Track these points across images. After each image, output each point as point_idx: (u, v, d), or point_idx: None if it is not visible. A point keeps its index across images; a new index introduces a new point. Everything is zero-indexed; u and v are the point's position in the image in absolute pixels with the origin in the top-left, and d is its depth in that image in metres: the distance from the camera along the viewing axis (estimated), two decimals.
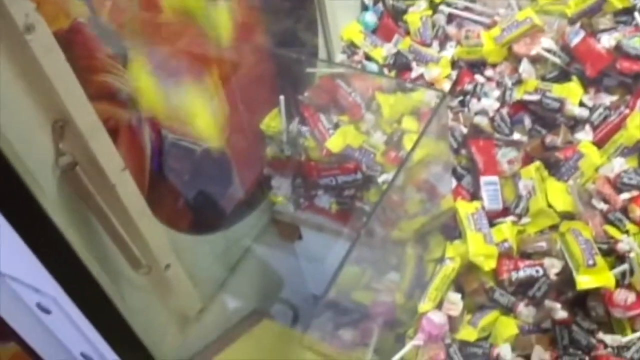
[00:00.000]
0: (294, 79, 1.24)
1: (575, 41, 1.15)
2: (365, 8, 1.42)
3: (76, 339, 0.89)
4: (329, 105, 1.20)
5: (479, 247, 0.98)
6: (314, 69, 1.25)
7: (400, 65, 1.31)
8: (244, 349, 1.10)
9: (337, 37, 1.35)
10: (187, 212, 1.15)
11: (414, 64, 1.29)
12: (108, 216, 0.89)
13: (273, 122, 1.19)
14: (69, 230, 0.81)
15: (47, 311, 0.86)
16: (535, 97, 1.14)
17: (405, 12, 1.38)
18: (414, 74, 1.28)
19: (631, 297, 0.92)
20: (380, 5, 1.41)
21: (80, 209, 0.85)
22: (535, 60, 1.21)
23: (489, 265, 0.97)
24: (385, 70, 1.32)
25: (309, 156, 1.17)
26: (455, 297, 0.97)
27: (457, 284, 1.00)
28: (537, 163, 1.08)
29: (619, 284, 0.95)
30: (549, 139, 1.11)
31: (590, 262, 0.93)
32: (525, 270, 0.98)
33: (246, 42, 1.21)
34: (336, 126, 1.16)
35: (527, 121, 1.15)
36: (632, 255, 0.94)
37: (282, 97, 1.15)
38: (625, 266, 0.95)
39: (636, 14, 1.14)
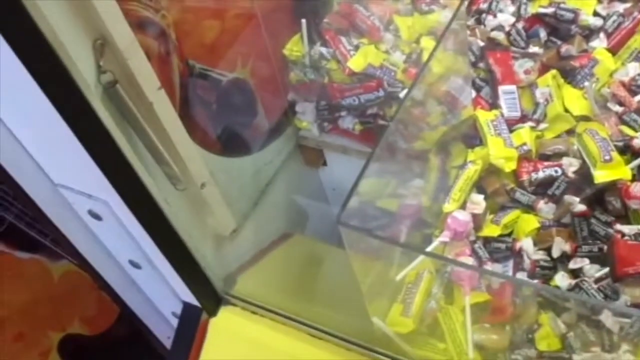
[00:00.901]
0: (313, 5, 1.28)
1: None
2: None
3: (125, 246, 0.96)
4: (348, 29, 1.23)
5: (500, 150, 1.02)
6: None
7: None
8: (278, 261, 1.17)
9: None
10: (216, 137, 1.21)
11: None
12: (147, 132, 0.95)
13: (295, 46, 1.23)
14: (120, 140, 0.86)
15: (98, 217, 0.92)
16: (550, 10, 1.16)
17: None
18: None
19: None
20: None
21: (125, 123, 0.91)
22: None
23: (510, 167, 1.02)
24: None
25: (331, 78, 1.22)
26: (478, 197, 1.01)
27: (479, 186, 1.04)
28: (554, 71, 1.11)
29: (635, 177, 0.99)
30: (564, 48, 1.14)
31: (607, 157, 0.97)
32: (545, 171, 1.02)
33: None
34: (357, 48, 1.20)
35: (543, 34, 1.18)
36: None
37: (303, 21, 1.19)
38: (639, 160, 0.99)
39: None
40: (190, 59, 1.19)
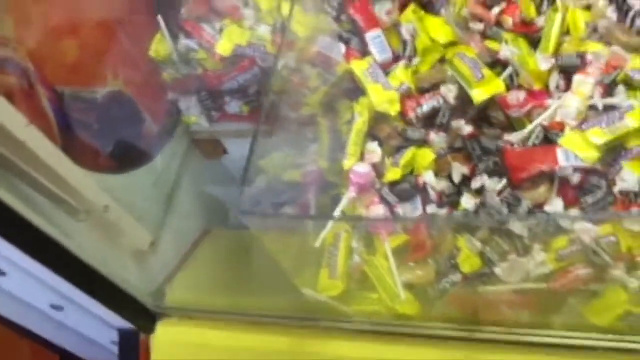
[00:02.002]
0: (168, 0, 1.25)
1: None
2: None
3: (41, 292, 0.93)
4: (208, 15, 1.22)
5: (381, 95, 1.04)
6: None
7: None
8: (202, 260, 1.16)
9: None
10: (107, 156, 1.18)
11: None
12: (29, 173, 0.92)
13: (160, 45, 1.21)
14: (6, 195, 0.83)
15: (2, 273, 0.89)
16: None
17: None
18: None
19: (522, 95, 1.01)
20: None
21: (3, 172, 0.88)
22: None
23: (394, 109, 1.04)
24: None
25: (204, 67, 1.20)
26: (372, 145, 1.04)
27: (372, 135, 1.07)
28: (412, 6, 1.14)
29: (509, 87, 1.03)
30: None
31: (479, 75, 1.01)
32: (427, 104, 1.05)
33: None
34: (220, 31, 1.19)
35: None
36: (513, 58, 1.03)
37: (159, 17, 1.16)
38: (509, 69, 1.03)
39: None
40: (57, 84, 1.15)
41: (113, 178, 1.13)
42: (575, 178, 0.92)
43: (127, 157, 1.22)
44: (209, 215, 1.39)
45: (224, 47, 1.16)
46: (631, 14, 1.00)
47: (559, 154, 0.92)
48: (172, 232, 1.26)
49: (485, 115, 1.06)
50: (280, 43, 1.07)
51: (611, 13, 1.01)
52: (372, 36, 1.12)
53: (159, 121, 1.30)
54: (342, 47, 1.14)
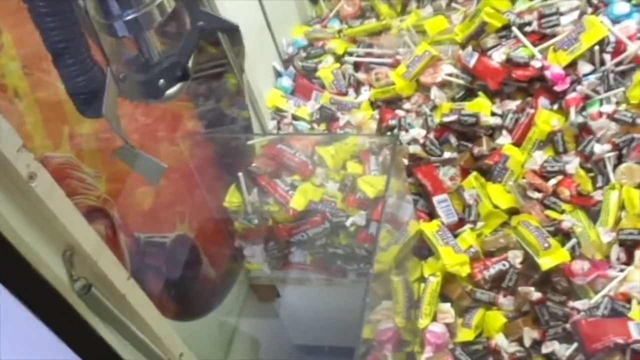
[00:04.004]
0: (239, 154, 1.34)
1: (472, 62, 1.32)
2: (279, 74, 1.54)
3: None
4: (279, 170, 1.30)
5: (452, 258, 1.11)
6: (254, 140, 1.36)
7: (326, 117, 1.43)
8: None
9: (263, 106, 1.46)
10: (174, 302, 1.21)
11: (338, 114, 1.42)
12: (127, 325, 0.95)
13: (233, 197, 1.28)
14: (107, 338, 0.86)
15: None
16: (453, 118, 1.30)
17: (315, 69, 1.51)
18: (341, 123, 1.41)
19: (586, 265, 1.08)
20: (291, 69, 1.54)
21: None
22: (442, 85, 1.37)
23: (465, 271, 1.11)
24: (315, 126, 1.45)
25: (276, 219, 1.27)
26: (445, 306, 1.09)
27: (443, 295, 1.12)
28: (474, 173, 1.23)
29: (573, 256, 1.11)
30: (476, 150, 1.27)
31: (546, 245, 1.08)
32: (495, 267, 1.12)
33: (184, 133, 1.30)
34: (292, 186, 1.27)
35: (453, 139, 1.31)
36: (575, 229, 1.11)
37: (240, 174, 1.24)
38: (573, 240, 1.11)
39: (513, 28, 1.33)
40: (135, 230, 1.20)
41: (187, 325, 1.15)
42: None
43: (190, 302, 1.25)
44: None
45: (298, 202, 1.23)
46: None
47: (632, 327, 0.98)
48: None
49: (548, 281, 1.12)
50: (358, 204, 1.14)
51: None
52: (439, 200, 1.21)
53: (221, 267, 1.35)
54: (412, 209, 1.22)
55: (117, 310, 0.93)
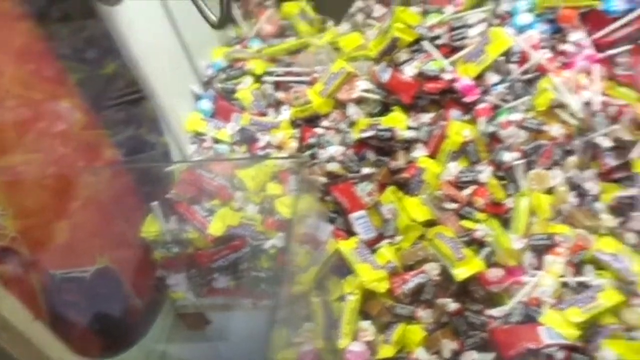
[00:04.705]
0: (158, 182, 1.32)
1: (385, 77, 1.33)
2: (198, 97, 1.52)
3: None
4: (199, 195, 1.29)
5: (370, 274, 1.11)
6: (172, 167, 1.34)
7: (247, 139, 1.42)
8: None
9: (182, 131, 1.44)
10: (96, 338, 1.18)
11: (259, 135, 1.42)
12: None
13: (151, 227, 1.26)
14: None
15: None
16: (370, 133, 1.30)
17: (234, 91, 1.50)
18: (262, 144, 1.41)
19: (500, 272, 1.10)
20: (211, 91, 1.52)
21: None
22: (359, 101, 1.38)
23: (383, 287, 1.11)
24: (236, 148, 1.43)
25: (196, 246, 1.25)
26: (365, 324, 1.09)
27: (363, 313, 1.12)
28: (391, 187, 1.24)
29: (488, 265, 1.12)
30: (392, 164, 1.28)
31: (460, 255, 1.10)
32: (413, 280, 1.13)
33: (99, 163, 1.28)
34: (211, 212, 1.25)
35: (371, 155, 1.32)
36: (488, 238, 1.13)
37: (155, 203, 1.22)
38: (486, 249, 1.13)
39: (424, 42, 1.35)
40: (50, 267, 1.17)
41: None
42: (560, 355, 0.99)
43: (117, 336, 1.22)
44: None
45: (216, 228, 1.22)
46: (588, 199, 1.13)
47: (543, 332, 0.99)
48: None
49: (466, 291, 1.14)
50: (277, 226, 1.14)
51: (572, 198, 1.14)
52: (357, 217, 1.21)
53: (145, 297, 1.32)
54: (330, 227, 1.22)
55: (21, 356, 0.91)
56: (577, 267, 1.07)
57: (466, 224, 1.18)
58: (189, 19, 1.51)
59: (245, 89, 1.50)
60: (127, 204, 1.34)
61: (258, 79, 1.52)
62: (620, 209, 1.11)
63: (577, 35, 1.26)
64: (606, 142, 1.14)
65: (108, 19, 1.22)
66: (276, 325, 0.93)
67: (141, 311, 1.29)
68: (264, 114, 1.48)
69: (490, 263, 1.13)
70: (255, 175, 1.31)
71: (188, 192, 1.29)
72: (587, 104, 1.18)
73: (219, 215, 1.23)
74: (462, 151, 1.26)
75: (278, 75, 1.52)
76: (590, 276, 1.05)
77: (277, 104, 1.49)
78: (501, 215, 1.18)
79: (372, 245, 1.19)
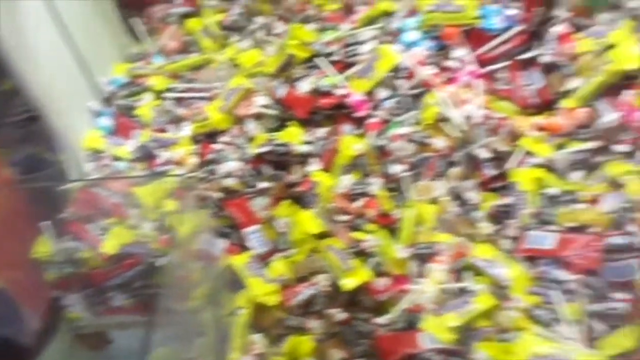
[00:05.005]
0: (51, 201, 1.30)
1: (281, 93, 1.37)
2: (97, 114, 1.51)
3: None
4: (93, 214, 1.28)
5: (261, 288, 1.14)
6: (68, 186, 1.33)
7: (146, 156, 1.42)
8: None
9: (80, 149, 1.43)
10: None
11: (159, 151, 1.42)
12: None
13: (43, 247, 1.24)
14: None
15: None
16: (266, 148, 1.33)
17: (134, 108, 1.50)
18: (161, 160, 1.41)
19: (387, 281, 1.14)
20: (111, 108, 1.52)
21: None
22: (257, 117, 1.40)
23: (274, 300, 1.13)
24: (136, 165, 1.43)
25: (90, 265, 1.24)
26: (255, 337, 1.11)
27: (254, 326, 1.14)
28: (286, 201, 1.27)
29: (377, 274, 1.16)
30: (288, 178, 1.31)
31: (347, 266, 1.13)
32: (305, 292, 1.16)
33: None
34: (105, 230, 1.25)
35: (268, 169, 1.34)
36: (375, 249, 1.17)
37: (46, 223, 1.21)
38: (374, 259, 1.17)
39: (318, 58, 1.39)
40: None
41: None
42: (437, 358, 1.03)
43: (11, 358, 1.20)
44: None
45: (110, 246, 1.22)
46: (468, 207, 1.19)
47: (422, 337, 1.03)
48: None
49: (356, 300, 1.17)
50: (172, 243, 1.14)
51: (454, 207, 1.19)
52: (250, 231, 1.23)
53: (41, 318, 1.30)
54: (223, 243, 1.23)
55: None
56: (458, 273, 1.12)
57: (357, 235, 1.21)
58: (88, 36, 1.51)
59: (146, 106, 1.50)
60: (21, 224, 1.31)
61: (159, 95, 1.53)
62: (498, 216, 1.17)
63: (461, 52, 1.32)
64: (485, 154, 1.20)
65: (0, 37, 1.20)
66: (158, 342, 0.93)
67: (37, 333, 1.27)
68: (164, 131, 1.48)
69: (379, 272, 1.17)
70: (152, 192, 1.32)
71: (83, 210, 1.28)
72: (469, 117, 1.24)
73: (113, 234, 1.23)
74: (354, 164, 1.30)
75: (179, 92, 1.53)
76: (469, 282, 1.10)
77: (178, 120, 1.49)
78: (390, 226, 1.22)
79: (266, 258, 1.22)
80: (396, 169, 1.24)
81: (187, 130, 1.46)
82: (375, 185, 1.25)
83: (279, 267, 1.17)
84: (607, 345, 0.98)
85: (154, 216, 1.29)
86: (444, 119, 1.25)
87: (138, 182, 1.33)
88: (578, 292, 1.03)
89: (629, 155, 1.16)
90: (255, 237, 1.22)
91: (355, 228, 1.24)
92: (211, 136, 1.44)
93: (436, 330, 1.04)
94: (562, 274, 1.05)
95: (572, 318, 1.01)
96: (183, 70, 1.58)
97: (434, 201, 1.22)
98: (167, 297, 1.20)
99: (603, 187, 1.14)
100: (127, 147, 1.45)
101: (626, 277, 1.02)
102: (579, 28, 1.29)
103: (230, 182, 1.31)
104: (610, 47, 1.22)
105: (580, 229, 1.09)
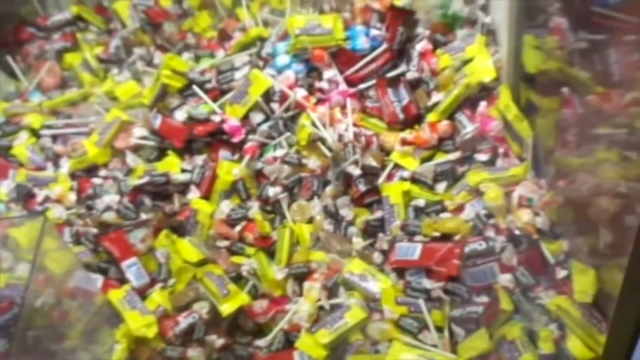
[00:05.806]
0: None
1: (157, 123, 1.37)
2: None
3: None
4: None
5: (138, 321, 1.12)
6: None
7: (24, 195, 1.39)
8: None
9: None
10: None
11: (36, 190, 1.39)
12: None
13: None
14: None
15: None
16: (145, 180, 1.32)
17: (10, 147, 1.47)
18: (40, 199, 1.38)
19: (265, 303, 1.15)
20: None
21: None
22: (136, 149, 1.40)
23: (152, 332, 1.12)
24: (12, 205, 1.40)
25: None
26: None
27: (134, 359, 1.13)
28: (165, 231, 1.26)
29: (255, 297, 1.17)
30: (167, 208, 1.30)
31: (225, 292, 1.14)
32: (185, 321, 1.15)
33: None
34: None
35: (147, 201, 1.33)
36: (252, 272, 1.18)
37: None
38: (250, 282, 1.18)
39: (193, 87, 1.40)
40: None
41: None
42: None
43: None
44: None
45: None
46: (344, 224, 1.22)
47: (296, 357, 1.05)
48: None
49: (237, 325, 1.18)
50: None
51: (328, 225, 1.22)
52: (128, 265, 1.22)
53: None
54: (99, 279, 1.21)
55: None
56: (332, 290, 1.15)
57: (236, 259, 1.22)
58: None
59: (21, 145, 1.47)
60: None
61: (36, 133, 1.50)
62: (370, 231, 1.20)
63: (330, 73, 1.36)
64: (356, 170, 1.23)
65: None
66: None
67: None
68: (43, 169, 1.45)
69: (258, 295, 1.18)
70: (28, 231, 1.28)
71: None
72: (341, 136, 1.28)
73: None
74: (233, 189, 1.31)
75: (57, 128, 1.50)
76: (342, 297, 1.13)
77: (56, 157, 1.47)
78: (269, 248, 1.24)
79: (145, 291, 1.20)
80: (273, 191, 1.26)
81: (65, 166, 1.44)
82: (253, 209, 1.26)
83: (157, 298, 1.17)
84: (464, 348, 1.02)
85: (30, 256, 1.25)
86: (319, 139, 1.28)
87: (13, 224, 1.30)
88: (442, 299, 1.07)
89: (488, 163, 1.22)
90: (132, 270, 1.21)
91: (236, 252, 1.24)
92: (90, 171, 1.42)
93: (309, 349, 1.05)
94: (427, 283, 1.09)
95: (435, 325, 1.04)
96: (61, 106, 1.56)
97: (310, 220, 1.24)
98: (44, 339, 1.17)
99: (466, 195, 1.19)
100: (3, 188, 1.41)
101: (486, 281, 1.07)
102: (439, 44, 1.35)
103: (108, 217, 1.29)
104: (468, 61, 1.29)
105: (444, 238, 1.13)
